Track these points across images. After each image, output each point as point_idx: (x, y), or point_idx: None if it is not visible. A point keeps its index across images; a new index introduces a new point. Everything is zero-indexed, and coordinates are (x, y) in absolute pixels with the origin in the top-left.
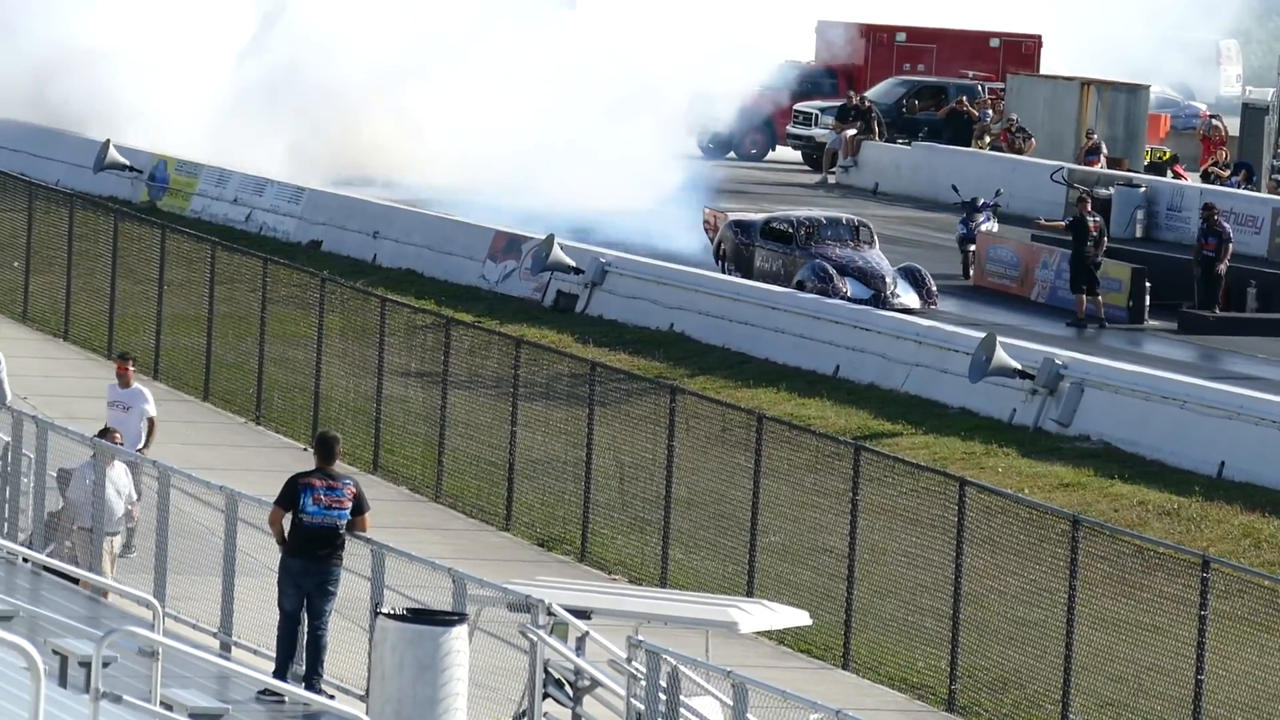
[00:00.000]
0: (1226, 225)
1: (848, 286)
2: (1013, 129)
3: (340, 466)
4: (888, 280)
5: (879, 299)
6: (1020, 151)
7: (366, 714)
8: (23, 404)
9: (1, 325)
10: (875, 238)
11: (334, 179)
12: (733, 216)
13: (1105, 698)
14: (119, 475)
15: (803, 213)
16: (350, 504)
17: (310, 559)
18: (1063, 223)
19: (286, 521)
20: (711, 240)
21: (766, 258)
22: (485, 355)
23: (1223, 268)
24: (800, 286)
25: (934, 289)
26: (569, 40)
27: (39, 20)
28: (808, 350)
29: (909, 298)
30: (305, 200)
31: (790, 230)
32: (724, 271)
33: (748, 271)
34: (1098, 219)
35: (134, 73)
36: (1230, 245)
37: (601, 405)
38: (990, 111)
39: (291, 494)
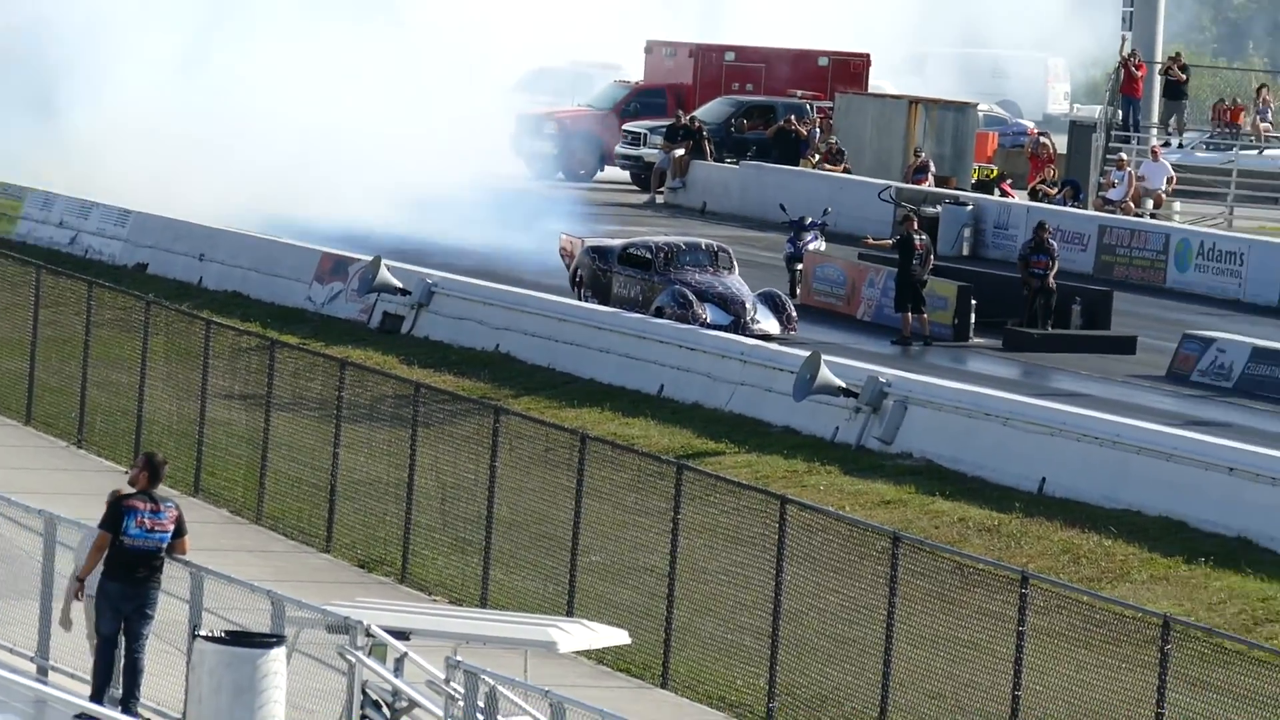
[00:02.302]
0: (1055, 243)
1: (707, 312)
2: (833, 150)
3: (162, 489)
4: (748, 305)
5: (739, 324)
6: (848, 172)
7: None
8: None
9: None
10: (735, 263)
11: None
12: (589, 243)
13: (923, 714)
14: None
15: (661, 238)
16: (173, 526)
17: (130, 582)
18: (890, 240)
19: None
20: (568, 266)
21: (624, 284)
22: (310, 377)
23: (1053, 284)
24: (659, 312)
25: (794, 314)
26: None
27: None
28: (633, 370)
29: (769, 323)
30: (131, 223)
31: (649, 256)
32: (580, 298)
33: (605, 298)
34: (924, 237)
35: None
36: (1057, 261)
37: (425, 426)
38: (819, 130)
39: (115, 516)
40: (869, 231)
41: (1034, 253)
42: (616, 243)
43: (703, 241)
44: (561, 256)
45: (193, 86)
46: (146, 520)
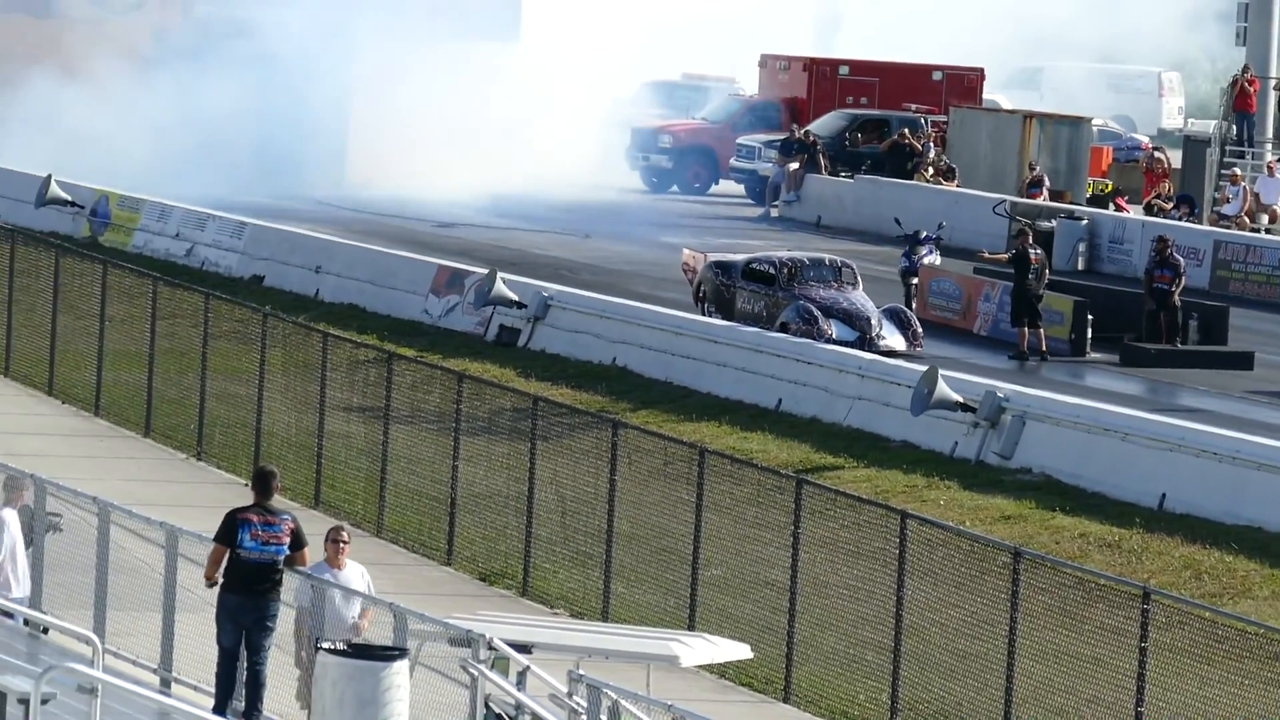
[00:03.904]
0: (1180, 258)
1: (833, 328)
2: (942, 168)
3: (279, 501)
4: (873, 321)
5: (864, 340)
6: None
7: None
8: None
9: None
10: (859, 279)
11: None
12: (713, 258)
13: None
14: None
15: (785, 254)
16: (288, 539)
17: (248, 594)
18: (1005, 255)
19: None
20: (690, 282)
21: (748, 299)
22: (428, 390)
23: (1178, 300)
24: (785, 328)
25: (919, 330)
26: (513, 72)
27: None
28: (750, 384)
29: (894, 339)
30: (247, 235)
31: (773, 271)
32: (704, 313)
33: (729, 313)
34: (1039, 252)
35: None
36: (1184, 278)
37: (544, 440)
38: (932, 145)
39: (230, 530)
40: (983, 246)
41: (1157, 267)
42: (740, 258)
43: (826, 257)
44: (684, 272)
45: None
46: (260, 533)
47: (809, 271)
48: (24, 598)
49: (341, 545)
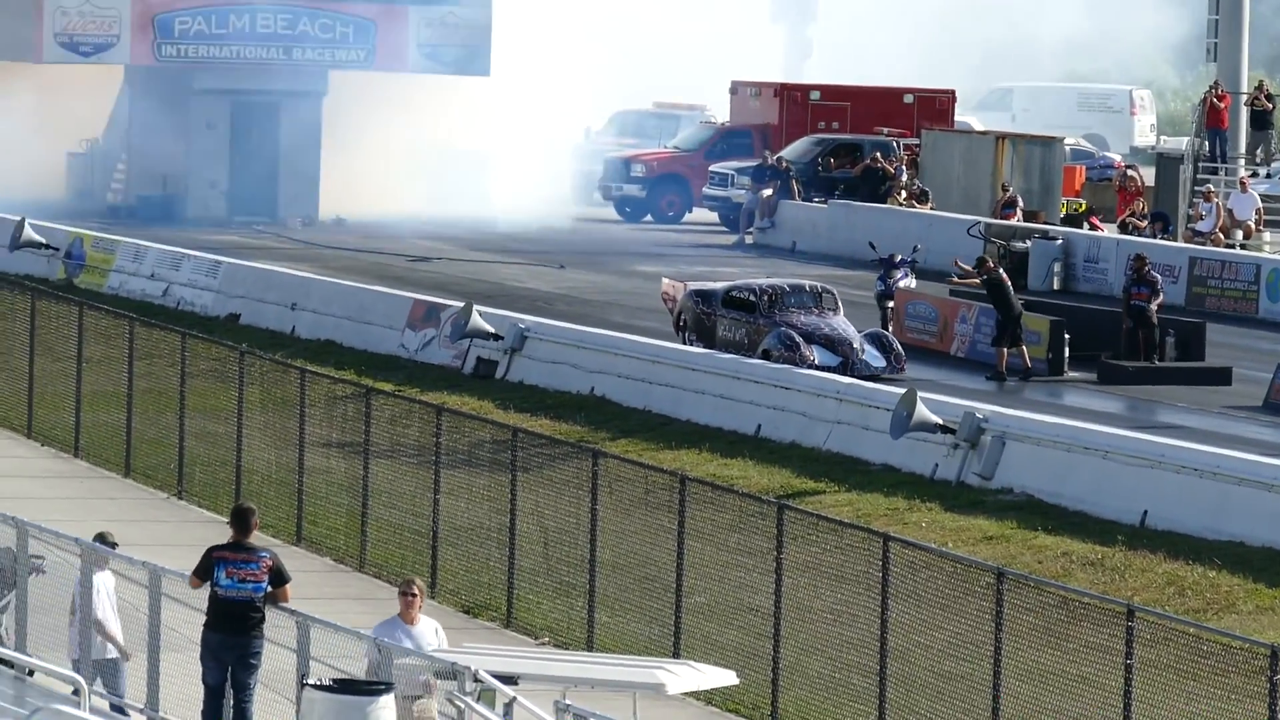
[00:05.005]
0: (1157, 275)
1: (815, 354)
2: (915, 191)
3: (259, 538)
4: (855, 346)
5: (847, 365)
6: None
7: None
8: None
9: None
10: (839, 304)
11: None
12: (693, 286)
13: None
14: None
15: (765, 281)
16: (266, 576)
17: (228, 632)
18: (978, 278)
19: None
20: (670, 311)
21: (729, 327)
22: (406, 424)
23: (1155, 317)
24: (766, 355)
25: (901, 353)
26: (484, 105)
27: None
28: (729, 410)
29: (876, 363)
30: (222, 273)
31: (753, 299)
32: (684, 341)
33: (710, 341)
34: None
35: None
36: (1162, 294)
37: (524, 470)
38: (905, 168)
39: (206, 566)
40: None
41: (1134, 284)
42: (720, 286)
43: (807, 283)
44: (664, 301)
45: None
46: (237, 570)
47: (790, 298)
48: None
49: (410, 599)
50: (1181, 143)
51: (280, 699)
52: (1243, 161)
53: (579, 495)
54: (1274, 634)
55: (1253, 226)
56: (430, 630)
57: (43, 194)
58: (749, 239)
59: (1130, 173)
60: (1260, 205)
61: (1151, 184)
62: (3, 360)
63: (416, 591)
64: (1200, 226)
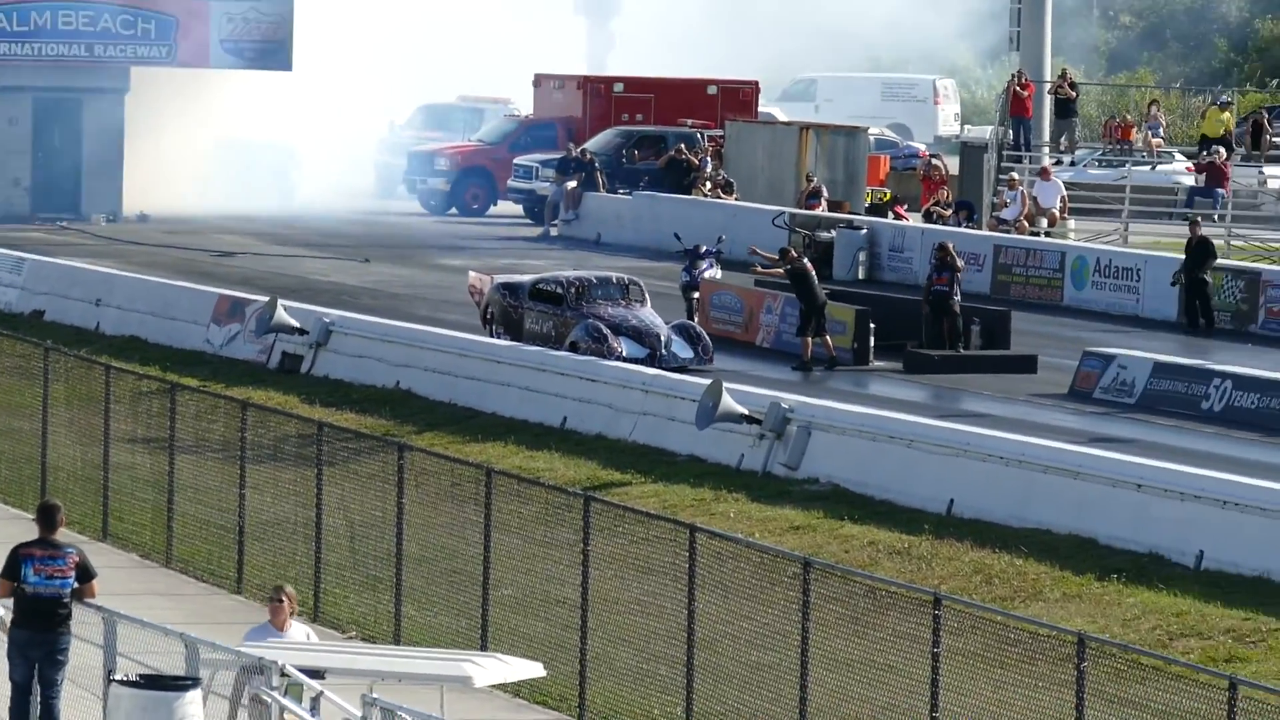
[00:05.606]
0: (960, 262)
1: (622, 346)
2: (719, 182)
3: (65, 535)
4: (662, 338)
5: (654, 357)
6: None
7: None
8: None
9: None
10: (646, 296)
11: None
12: (499, 279)
13: None
14: None
15: (572, 273)
16: (74, 572)
17: (35, 629)
18: (781, 269)
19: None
20: (477, 304)
21: (537, 319)
22: (212, 419)
23: (959, 305)
24: (574, 347)
25: (709, 344)
26: (286, 99)
27: None
28: (535, 403)
29: (684, 355)
30: (26, 270)
31: (560, 291)
32: (492, 335)
33: (517, 334)
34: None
35: None
36: (962, 276)
37: (330, 465)
38: (709, 159)
39: (13, 565)
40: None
41: (936, 270)
42: (527, 279)
43: (614, 275)
44: (470, 294)
45: None
46: (44, 567)
47: (597, 290)
48: None
49: (278, 604)
50: (986, 131)
51: (87, 695)
52: (1046, 150)
53: (385, 489)
54: (1081, 621)
55: (1057, 214)
56: (301, 635)
57: None
58: (554, 231)
59: (935, 162)
60: (1064, 193)
61: (956, 173)
62: None
63: (284, 598)
64: (1005, 215)
